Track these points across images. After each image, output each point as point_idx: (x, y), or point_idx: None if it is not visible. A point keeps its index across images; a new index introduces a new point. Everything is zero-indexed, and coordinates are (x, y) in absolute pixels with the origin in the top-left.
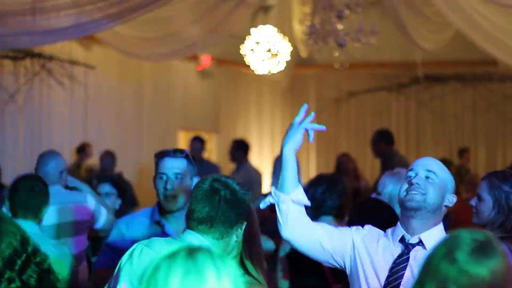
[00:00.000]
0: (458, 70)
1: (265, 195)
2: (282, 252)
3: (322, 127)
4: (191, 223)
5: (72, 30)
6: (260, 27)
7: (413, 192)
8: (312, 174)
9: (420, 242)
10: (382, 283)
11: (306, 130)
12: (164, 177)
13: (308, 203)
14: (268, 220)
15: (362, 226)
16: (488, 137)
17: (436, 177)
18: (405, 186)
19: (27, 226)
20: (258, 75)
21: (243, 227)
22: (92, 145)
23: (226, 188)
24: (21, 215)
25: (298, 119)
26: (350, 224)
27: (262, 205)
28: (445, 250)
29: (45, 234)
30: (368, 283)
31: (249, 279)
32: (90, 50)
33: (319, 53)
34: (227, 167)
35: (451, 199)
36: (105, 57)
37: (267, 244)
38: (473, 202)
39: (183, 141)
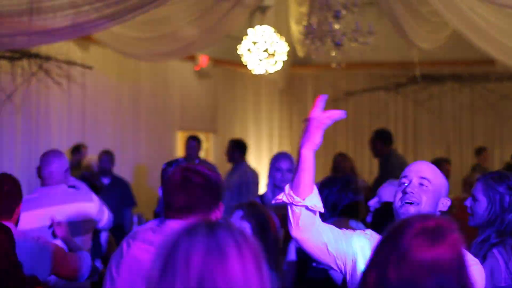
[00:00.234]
0: (456, 69)
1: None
2: None
3: (342, 115)
4: (171, 213)
5: (69, 31)
6: (257, 27)
7: (407, 203)
8: None
9: None
10: None
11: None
12: None
13: (322, 209)
14: None
15: (382, 230)
16: (486, 136)
17: (429, 184)
18: (399, 195)
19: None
20: (255, 75)
21: (221, 208)
22: (87, 145)
23: (197, 175)
24: None
25: (314, 113)
26: (373, 226)
27: (274, 202)
28: (391, 233)
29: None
30: None
31: None
32: (88, 51)
33: (316, 53)
34: (225, 167)
35: (445, 203)
36: (102, 57)
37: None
38: (468, 202)
39: (180, 141)
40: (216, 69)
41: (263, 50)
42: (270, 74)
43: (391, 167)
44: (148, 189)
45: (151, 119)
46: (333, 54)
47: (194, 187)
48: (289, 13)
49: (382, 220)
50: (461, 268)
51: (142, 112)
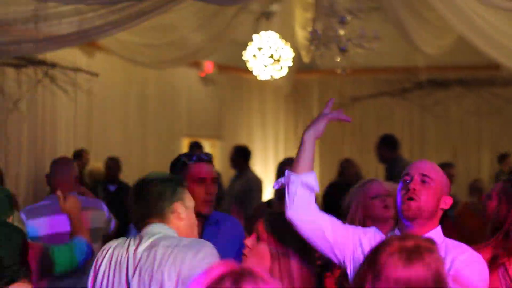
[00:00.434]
0: (461, 74)
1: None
2: None
3: (347, 118)
4: (144, 221)
5: (74, 37)
6: (262, 33)
7: (409, 199)
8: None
9: None
10: None
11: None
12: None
13: (317, 189)
14: None
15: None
16: (492, 141)
17: (431, 181)
18: (402, 192)
19: None
20: (261, 81)
21: (184, 196)
22: (89, 151)
23: (148, 184)
24: None
25: (325, 110)
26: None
27: (275, 186)
28: (371, 253)
29: None
30: None
31: None
32: (93, 57)
33: (321, 58)
34: (230, 173)
35: (447, 201)
36: (108, 64)
37: None
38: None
39: (186, 148)
40: (222, 76)
41: (269, 56)
42: (275, 80)
43: (397, 173)
44: None
45: (157, 126)
46: (338, 59)
47: (148, 195)
48: (294, 19)
49: None
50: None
51: (148, 119)
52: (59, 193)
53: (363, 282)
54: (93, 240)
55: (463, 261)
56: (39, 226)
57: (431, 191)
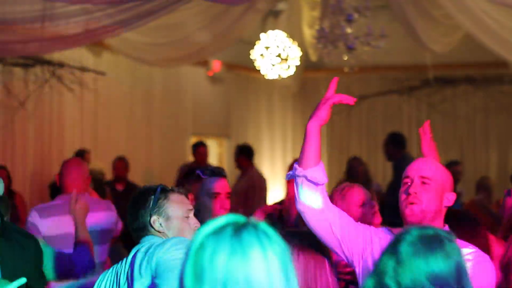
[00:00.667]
0: (469, 72)
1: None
2: None
3: (351, 100)
4: (142, 233)
5: (81, 37)
6: (270, 32)
7: (411, 203)
8: None
9: None
10: None
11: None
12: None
13: (325, 181)
14: None
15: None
16: (500, 139)
17: (431, 181)
18: (403, 196)
19: None
20: (268, 80)
21: (164, 207)
22: (90, 151)
23: (132, 198)
24: None
25: (327, 93)
26: None
27: (287, 178)
28: (391, 242)
29: None
30: None
31: None
32: (100, 57)
33: (329, 57)
34: (237, 172)
35: (450, 198)
36: (115, 64)
37: None
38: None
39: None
40: (229, 74)
41: (276, 55)
42: (283, 78)
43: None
44: None
45: (164, 125)
46: (346, 58)
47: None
48: (301, 17)
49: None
50: (461, 276)
51: (155, 118)
52: (74, 193)
53: (384, 275)
54: (101, 242)
55: (470, 261)
56: (52, 225)
57: (433, 192)
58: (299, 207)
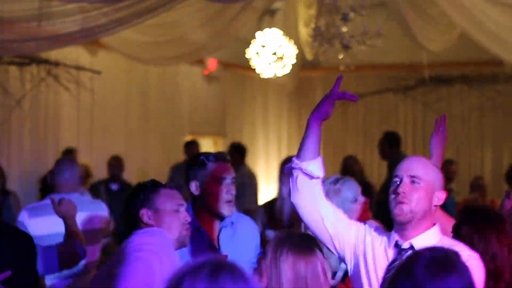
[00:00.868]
0: (464, 71)
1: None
2: None
3: (353, 97)
4: (132, 227)
5: (78, 36)
6: (266, 30)
7: (400, 203)
8: None
9: (412, 248)
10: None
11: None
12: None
13: (321, 175)
14: None
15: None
16: (495, 138)
17: (421, 180)
18: (392, 195)
19: None
20: (264, 78)
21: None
22: (78, 149)
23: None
24: None
25: (332, 90)
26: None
27: (285, 171)
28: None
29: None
30: (370, 284)
31: None
32: (96, 56)
33: (324, 55)
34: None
35: (440, 197)
36: (111, 62)
37: None
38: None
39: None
40: (225, 73)
41: (272, 53)
42: (278, 77)
43: None
44: None
45: (160, 124)
46: (341, 56)
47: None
48: (297, 16)
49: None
50: None
51: (151, 117)
52: (52, 197)
53: None
54: (92, 241)
55: None
56: (41, 224)
57: (422, 191)
58: (293, 199)
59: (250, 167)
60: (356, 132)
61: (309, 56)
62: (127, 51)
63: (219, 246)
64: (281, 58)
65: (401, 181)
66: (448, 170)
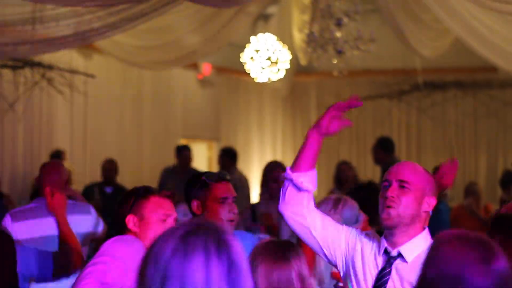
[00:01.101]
0: (458, 77)
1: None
2: None
3: (348, 123)
4: (119, 232)
5: (71, 39)
6: (260, 35)
7: (387, 207)
8: None
9: (400, 256)
10: None
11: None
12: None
13: (311, 188)
14: None
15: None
16: (489, 143)
17: (409, 185)
18: (381, 200)
19: None
20: (258, 83)
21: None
22: (66, 151)
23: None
24: None
25: (336, 104)
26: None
27: (281, 179)
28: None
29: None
30: None
31: None
32: (90, 59)
33: (318, 61)
34: None
35: (430, 203)
36: (105, 66)
37: None
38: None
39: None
40: (219, 77)
41: (266, 58)
42: (273, 82)
43: None
44: None
45: (154, 128)
46: (335, 61)
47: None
48: (291, 21)
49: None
50: None
51: (145, 121)
52: (48, 189)
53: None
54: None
55: None
56: (25, 229)
57: (411, 196)
58: (280, 208)
59: (242, 171)
60: (350, 137)
61: (303, 61)
62: (120, 55)
63: None
64: (275, 63)
65: (389, 185)
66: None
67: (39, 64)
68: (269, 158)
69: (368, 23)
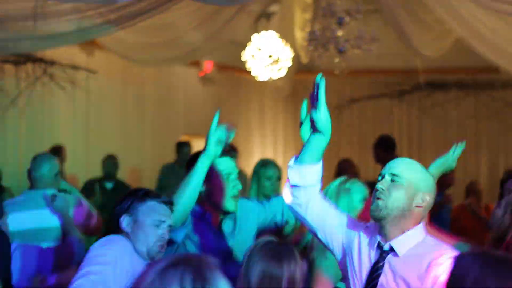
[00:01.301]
0: (460, 77)
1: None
2: None
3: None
4: (113, 230)
5: (73, 35)
6: (262, 33)
7: (377, 198)
8: None
9: (392, 250)
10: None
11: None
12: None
13: (297, 183)
14: None
15: None
16: (490, 144)
17: (401, 179)
18: (373, 193)
19: None
20: (260, 81)
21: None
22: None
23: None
24: None
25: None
26: None
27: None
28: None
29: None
30: (354, 281)
31: None
32: (92, 55)
33: (319, 59)
34: None
35: (423, 198)
36: (107, 62)
37: None
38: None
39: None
40: (221, 75)
41: (268, 56)
42: (274, 80)
43: None
44: None
45: (156, 124)
46: (337, 60)
47: None
48: (293, 20)
49: None
50: None
51: (146, 117)
52: (47, 193)
53: None
54: None
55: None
56: (17, 220)
57: (402, 190)
58: (284, 195)
59: (242, 168)
60: (351, 136)
61: (304, 60)
62: (122, 51)
63: (223, 233)
64: (277, 61)
65: (382, 178)
66: (445, 177)
67: (41, 60)
68: (270, 156)
69: (370, 23)
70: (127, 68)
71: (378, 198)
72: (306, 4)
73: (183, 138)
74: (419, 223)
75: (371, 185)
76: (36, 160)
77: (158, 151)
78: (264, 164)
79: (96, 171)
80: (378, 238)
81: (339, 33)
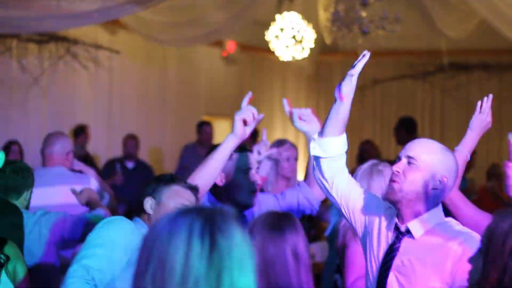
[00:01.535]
0: (484, 58)
1: None
2: None
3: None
4: (136, 212)
5: (96, 15)
6: (285, 13)
7: (392, 181)
8: None
9: (408, 232)
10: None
11: None
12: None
13: (320, 155)
14: None
15: None
16: None
17: (417, 162)
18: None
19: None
20: (283, 61)
21: (162, 193)
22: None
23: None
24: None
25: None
26: None
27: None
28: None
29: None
30: (371, 261)
31: None
32: (115, 35)
33: (343, 40)
34: None
35: (441, 180)
36: (130, 42)
37: None
38: None
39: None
40: (244, 55)
41: (291, 36)
42: (297, 60)
43: None
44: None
45: (178, 105)
46: (360, 41)
47: None
48: (317, 0)
49: None
50: None
51: (168, 97)
52: (73, 188)
53: None
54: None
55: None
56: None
57: (418, 172)
58: (309, 169)
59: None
60: (374, 117)
61: (327, 40)
62: (145, 31)
63: None
64: (300, 41)
65: (399, 161)
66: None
67: (64, 39)
68: (292, 137)
69: (394, 4)
70: (150, 48)
71: (394, 181)
72: None
73: (205, 118)
74: (437, 205)
75: None
76: (48, 138)
77: (179, 131)
78: (284, 144)
79: (117, 151)
80: (396, 220)
81: (363, 13)
